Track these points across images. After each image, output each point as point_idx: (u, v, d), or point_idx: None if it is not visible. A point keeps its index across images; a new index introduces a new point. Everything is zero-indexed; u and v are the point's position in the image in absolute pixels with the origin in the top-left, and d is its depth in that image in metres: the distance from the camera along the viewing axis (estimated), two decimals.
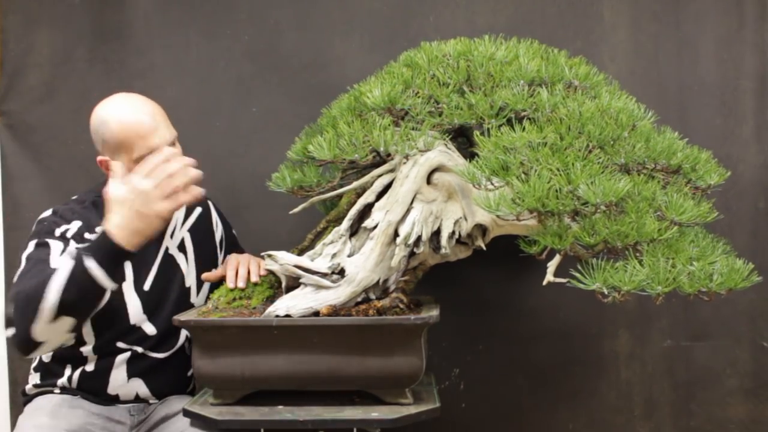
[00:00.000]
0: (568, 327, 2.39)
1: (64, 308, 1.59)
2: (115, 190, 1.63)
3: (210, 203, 2.19)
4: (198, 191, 1.68)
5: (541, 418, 2.41)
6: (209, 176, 2.36)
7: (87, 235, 1.85)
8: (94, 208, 1.94)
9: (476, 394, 2.40)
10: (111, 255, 1.62)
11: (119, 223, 1.61)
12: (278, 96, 2.42)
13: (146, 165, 1.62)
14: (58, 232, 1.85)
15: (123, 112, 1.88)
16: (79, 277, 1.59)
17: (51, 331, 1.62)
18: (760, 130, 2.37)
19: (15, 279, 1.76)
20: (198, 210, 2.13)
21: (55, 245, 1.81)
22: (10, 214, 2.43)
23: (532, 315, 2.39)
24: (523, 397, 2.41)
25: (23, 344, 1.63)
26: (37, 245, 1.81)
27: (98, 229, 1.67)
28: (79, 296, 1.61)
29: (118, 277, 1.69)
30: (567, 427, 2.41)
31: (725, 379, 2.38)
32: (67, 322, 1.62)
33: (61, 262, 1.61)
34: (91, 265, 1.59)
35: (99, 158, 1.93)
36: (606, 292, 1.56)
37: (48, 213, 1.92)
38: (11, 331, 1.62)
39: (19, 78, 2.43)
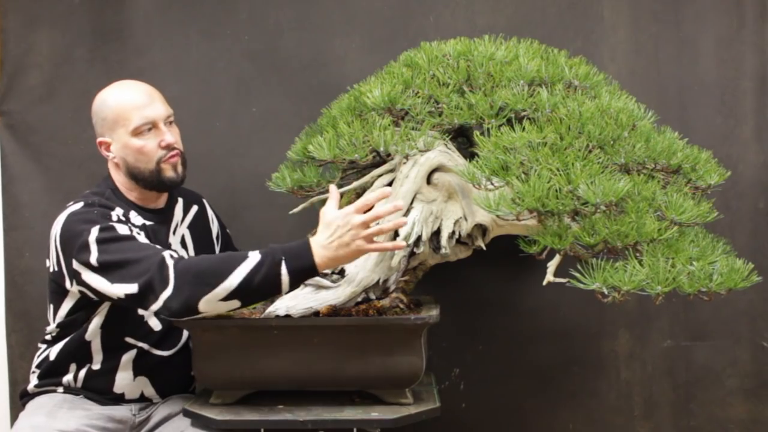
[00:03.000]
0: (568, 327, 2.39)
1: (239, 294, 1.66)
2: (330, 212, 1.67)
3: (204, 201, 2.22)
4: (401, 245, 1.73)
5: (541, 418, 2.41)
6: (209, 176, 2.38)
7: (132, 219, 1.92)
8: (116, 198, 1.97)
9: (476, 394, 2.40)
10: (305, 270, 1.68)
11: (325, 245, 1.66)
12: (278, 96, 2.42)
13: (363, 199, 1.67)
14: (114, 215, 1.88)
15: (120, 89, 1.99)
16: (266, 274, 1.65)
17: (216, 308, 1.68)
18: (760, 130, 2.36)
19: (118, 257, 1.75)
20: (195, 208, 2.15)
21: (120, 227, 1.83)
22: (10, 214, 2.43)
23: (532, 315, 2.39)
24: (523, 397, 2.40)
25: (182, 310, 1.68)
26: (102, 229, 1.81)
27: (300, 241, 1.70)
28: (259, 291, 1.68)
29: (296, 288, 1.75)
30: (567, 427, 2.41)
31: (725, 379, 2.38)
32: (234, 304, 1.69)
33: (251, 253, 1.67)
34: (283, 271, 1.65)
35: (98, 140, 1.99)
36: (606, 292, 1.56)
37: (79, 205, 1.90)
38: (167, 292, 1.67)
39: (19, 78, 2.42)
